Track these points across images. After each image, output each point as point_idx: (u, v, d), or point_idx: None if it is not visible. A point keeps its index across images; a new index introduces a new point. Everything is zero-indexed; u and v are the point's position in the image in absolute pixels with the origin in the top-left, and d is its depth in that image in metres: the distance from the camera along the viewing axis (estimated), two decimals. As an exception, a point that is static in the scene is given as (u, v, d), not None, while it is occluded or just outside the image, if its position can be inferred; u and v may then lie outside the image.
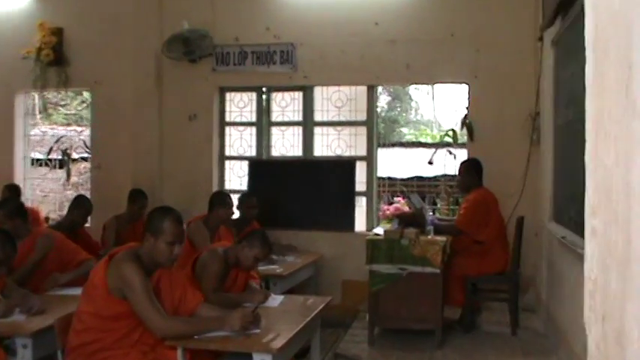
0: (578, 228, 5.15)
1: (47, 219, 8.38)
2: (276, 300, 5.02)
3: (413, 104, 21.35)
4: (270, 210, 8.03)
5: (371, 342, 6.48)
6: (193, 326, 4.01)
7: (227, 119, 9.04)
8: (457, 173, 7.33)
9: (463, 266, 6.85)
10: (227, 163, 9.10)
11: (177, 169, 8.87)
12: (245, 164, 8.95)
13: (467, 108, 8.21)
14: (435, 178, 11.22)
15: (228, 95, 9.03)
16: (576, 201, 5.25)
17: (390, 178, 11.15)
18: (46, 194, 11.25)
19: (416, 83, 9.61)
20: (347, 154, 8.71)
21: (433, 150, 8.62)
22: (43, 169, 11.42)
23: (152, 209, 4.25)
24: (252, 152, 9.01)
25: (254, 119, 8.98)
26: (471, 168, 7.15)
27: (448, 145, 8.87)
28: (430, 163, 8.39)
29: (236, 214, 7.48)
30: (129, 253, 3.99)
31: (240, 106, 9.03)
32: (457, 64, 8.09)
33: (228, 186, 9.01)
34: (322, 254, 8.27)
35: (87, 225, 7.72)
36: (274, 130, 9.00)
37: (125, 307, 3.88)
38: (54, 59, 8.87)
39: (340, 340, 6.88)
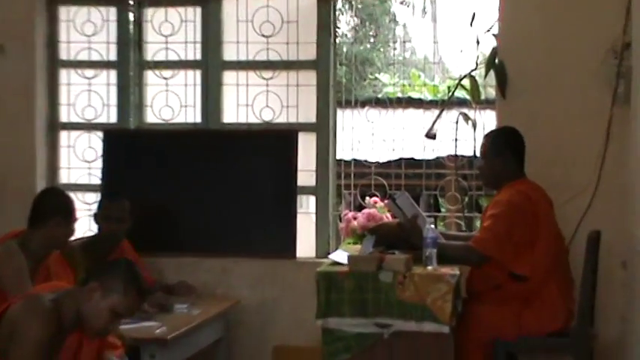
0: None
1: None
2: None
3: (398, 31, 21.35)
4: (145, 222, 8.04)
5: None
6: None
7: (62, 56, 9.01)
8: (480, 156, 7.32)
9: (491, 322, 6.79)
10: (64, 135, 9.07)
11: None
12: (97, 138, 8.91)
13: (496, 37, 8.17)
14: (437, 161, 11.28)
15: (65, 11, 8.99)
16: None
17: (358, 163, 11.08)
18: None
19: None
20: (282, 120, 8.75)
21: (435, 113, 8.58)
22: None
23: None
24: (110, 116, 9.00)
25: (113, 57, 8.94)
26: (500, 145, 7.12)
27: (462, 103, 8.98)
28: (430, 136, 8.33)
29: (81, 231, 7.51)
30: None
31: (86, 32, 8.99)
32: (479, -45, 8.12)
33: (65, 177, 9.02)
34: (239, 300, 8.26)
35: None
36: (151, 76, 8.99)
37: None
38: None
39: None
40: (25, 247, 6.40)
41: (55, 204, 6.67)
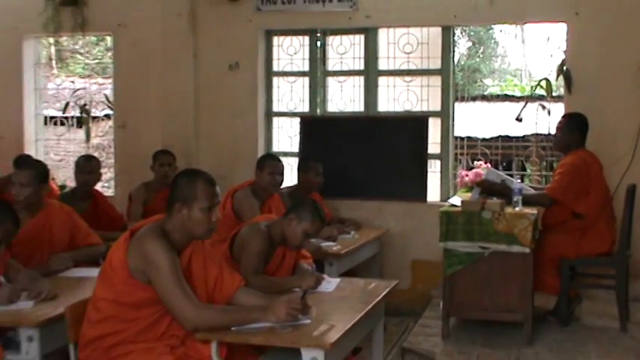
0: None
1: (63, 187, 8.41)
2: (331, 283, 4.97)
3: (498, 50, 21.14)
4: (326, 176, 7.90)
5: (445, 335, 6.41)
6: (230, 316, 3.96)
7: (275, 68, 9.00)
8: (556, 130, 7.20)
9: (558, 245, 6.73)
10: (275, 120, 9.09)
11: (216, 128, 8.87)
12: (296, 122, 8.94)
13: (564, 52, 8.02)
14: (523, 138, 11.03)
15: (276, 40, 8.98)
16: None
17: (469, 138, 11.01)
18: (62, 158, 11.28)
19: (502, 23, 9.42)
20: (417, 109, 8.63)
21: (522, 104, 8.47)
22: (59, 129, 11.28)
23: (176, 175, 4.24)
24: (304, 107, 8.98)
25: (307, 68, 8.93)
26: (573, 125, 7.00)
27: (540, 98, 8.77)
28: (518, 119, 8.27)
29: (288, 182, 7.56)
30: (153, 228, 3.96)
31: (290, 52, 8.98)
32: (553, -1, 7.92)
33: (276, 147, 9.03)
34: (388, 229, 8.26)
35: (110, 194, 7.90)
36: (331, 81, 8.94)
37: (149, 292, 3.86)
38: (68, -3, 8.92)
39: (409, 332, 6.88)
40: (255, 191, 6.69)
41: (270, 162, 6.83)
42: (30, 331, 4.10)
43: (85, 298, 4.11)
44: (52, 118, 10.75)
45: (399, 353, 6.19)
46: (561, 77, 8.00)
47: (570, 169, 6.80)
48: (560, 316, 6.77)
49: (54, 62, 10.97)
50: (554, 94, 8.44)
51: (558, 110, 8.05)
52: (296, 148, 8.84)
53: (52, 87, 11.06)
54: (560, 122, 7.11)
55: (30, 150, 9.36)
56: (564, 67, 7.92)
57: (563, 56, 8.04)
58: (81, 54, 16.28)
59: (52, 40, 9.68)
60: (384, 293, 4.78)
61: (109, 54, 10.64)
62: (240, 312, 4.01)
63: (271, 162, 6.86)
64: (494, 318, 6.45)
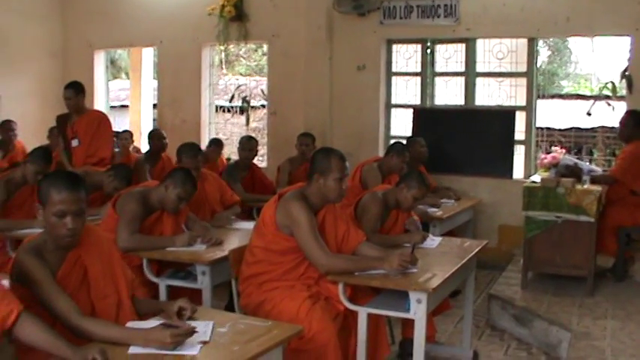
0: None
1: (229, 159, 8.67)
2: (434, 241, 4.92)
3: (573, 58, 20.43)
4: (432, 155, 7.78)
5: (524, 285, 6.31)
6: (354, 264, 3.99)
7: (393, 69, 8.87)
8: (619, 123, 6.94)
9: (617, 216, 6.55)
10: (393, 111, 8.97)
11: (346, 116, 8.82)
12: (409, 112, 8.78)
13: (627, 60, 7.65)
14: (592, 129, 10.77)
15: (395, 47, 8.85)
16: None
17: (548, 129, 10.72)
18: (228, 137, 11.64)
19: (576, 35, 9.06)
20: (507, 104, 8.41)
21: (591, 102, 8.17)
22: (226, 115, 11.76)
23: (314, 152, 4.28)
24: (416, 101, 8.81)
25: (419, 70, 8.76)
26: (634, 120, 6.76)
27: (607, 97, 8.41)
28: (588, 114, 8.00)
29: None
30: (296, 193, 4.02)
31: (405, 57, 8.84)
32: (619, 16, 7.48)
33: (393, 132, 8.93)
34: (481, 199, 8.09)
35: (263, 166, 7.97)
36: (438, 80, 8.79)
37: (292, 242, 3.93)
38: (235, 15, 9.03)
39: (494, 282, 6.80)
40: (380, 167, 6.70)
41: (399, 148, 6.86)
42: (204, 267, 4.29)
43: (243, 244, 4.23)
44: (221, 107, 11.11)
45: (486, 298, 6.12)
46: (624, 80, 7.68)
47: (630, 155, 6.63)
48: (616, 274, 6.61)
49: (223, 64, 11.23)
50: (617, 94, 8.09)
51: (621, 107, 7.69)
52: (409, 133, 8.66)
53: (222, 83, 11.41)
54: (623, 117, 6.89)
55: (204, 130, 9.71)
56: (626, 73, 7.61)
57: (626, 63, 7.69)
58: (244, 58, 16.67)
59: (222, 47, 9.79)
60: (476, 250, 4.74)
61: (265, 58, 10.79)
62: (362, 261, 4.04)
63: (405, 152, 6.82)
64: (564, 273, 6.32)
